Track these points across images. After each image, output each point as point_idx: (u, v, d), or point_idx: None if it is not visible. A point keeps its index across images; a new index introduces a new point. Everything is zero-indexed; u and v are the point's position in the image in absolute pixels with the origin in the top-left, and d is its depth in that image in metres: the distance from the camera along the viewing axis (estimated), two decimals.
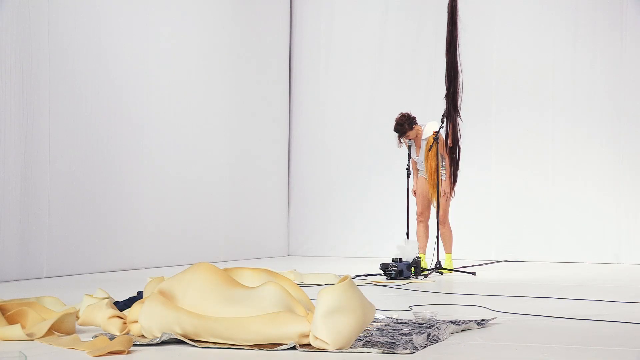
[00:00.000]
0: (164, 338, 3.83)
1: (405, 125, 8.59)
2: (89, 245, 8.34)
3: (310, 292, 4.58)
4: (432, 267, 8.49)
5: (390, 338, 3.95)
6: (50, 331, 4.10)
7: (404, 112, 8.69)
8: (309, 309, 3.95)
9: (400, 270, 7.77)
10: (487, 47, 11.05)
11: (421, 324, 4.42)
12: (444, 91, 8.28)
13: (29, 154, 7.63)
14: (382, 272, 7.86)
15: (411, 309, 5.10)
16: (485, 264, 10.15)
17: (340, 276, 7.17)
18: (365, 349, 3.71)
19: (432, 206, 8.77)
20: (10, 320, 4.18)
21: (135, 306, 4.02)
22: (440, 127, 8.41)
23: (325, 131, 11.86)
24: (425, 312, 4.64)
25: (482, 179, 11.01)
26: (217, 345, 3.80)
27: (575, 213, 10.75)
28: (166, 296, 3.93)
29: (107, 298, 4.38)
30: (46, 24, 7.82)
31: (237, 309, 3.82)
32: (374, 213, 11.34)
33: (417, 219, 8.90)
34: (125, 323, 4.10)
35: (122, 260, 8.77)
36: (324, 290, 3.67)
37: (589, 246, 10.63)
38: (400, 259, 7.91)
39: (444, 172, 8.60)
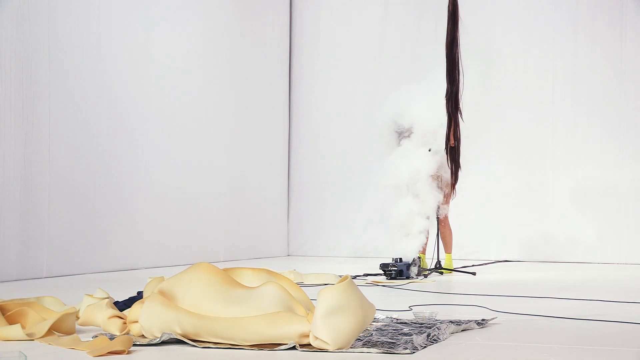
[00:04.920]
0: (164, 338, 3.83)
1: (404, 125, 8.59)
2: (89, 245, 8.34)
3: (310, 292, 4.58)
4: (432, 267, 8.49)
5: (390, 338, 3.95)
6: (50, 331, 4.10)
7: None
8: (309, 309, 3.95)
9: (400, 270, 7.78)
10: (487, 48, 11.05)
11: (421, 324, 4.42)
12: (444, 91, 8.27)
13: (29, 154, 7.63)
14: (382, 272, 7.86)
15: (411, 309, 5.10)
16: (485, 264, 10.15)
17: (340, 276, 7.17)
18: (365, 349, 3.71)
19: None
20: (10, 320, 4.18)
21: (135, 306, 4.02)
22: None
23: (325, 131, 11.87)
24: (425, 312, 4.64)
25: (482, 179, 11.00)
26: (217, 345, 3.80)
27: (576, 213, 10.75)
28: (166, 296, 3.93)
29: (107, 298, 4.38)
30: (46, 24, 7.83)
31: (237, 309, 3.82)
32: (374, 213, 11.33)
33: None
34: (125, 323, 4.10)
35: (122, 260, 8.77)
36: (324, 290, 3.67)
37: (589, 246, 10.63)
38: (400, 259, 7.91)
39: None
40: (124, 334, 4.00)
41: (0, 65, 7.37)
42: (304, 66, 12.00)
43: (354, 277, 7.78)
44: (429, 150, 8.42)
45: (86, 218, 8.31)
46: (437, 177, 8.43)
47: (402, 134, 8.56)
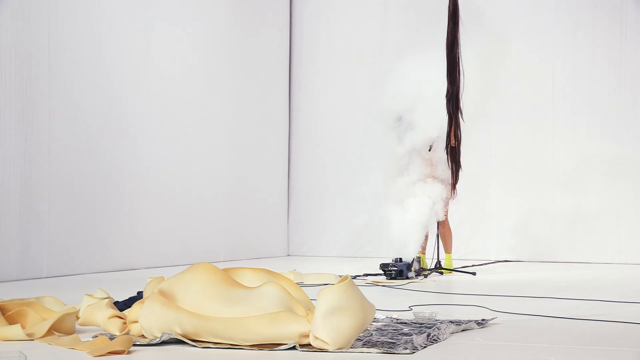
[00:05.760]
0: (164, 338, 3.83)
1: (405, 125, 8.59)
2: (89, 245, 8.34)
3: (310, 292, 4.58)
4: (432, 267, 8.49)
5: (390, 338, 3.95)
6: (50, 331, 4.10)
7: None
8: (309, 309, 3.95)
9: (400, 270, 7.77)
10: (486, 48, 11.03)
11: (421, 324, 4.42)
12: (444, 91, 8.27)
13: (29, 154, 7.63)
14: (382, 272, 7.86)
15: (411, 309, 5.10)
16: (485, 264, 10.15)
17: (340, 276, 7.17)
18: (365, 349, 3.71)
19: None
20: (10, 320, 4.18)
21: (135, 306, 4.02)
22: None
23: (325, 132, 11.86)
24: (425, 312, 4.64)
25: (482, 179, 11.00)
26: (217, 345, 3.80)
27: (576, 213, 10.75)
28: (166, 296, 3.93)
29: (107, 298, 4.38)
30: (46, 24, 7.82)
31: (237, 309, 3.82)
32: (374, 213, 11.32)
33: None
34: (125, 323, 4.10)
35: (122, 260, 8.77)
36: (324, 290, 3.67)
37: (589, 246, 10.63)
38: (400, 259, 7.91)
39: None
40: (124, 334, 4.00)
41: (0, 65, 7.37)
42: (304, 66, 11.99)
43: (354, 277, 7.78)
44: (429, 150, 8.43)
45: (86, 218, 8.31)
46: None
47: (401, 123, 8.55)
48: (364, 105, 11.61)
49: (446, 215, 8.71)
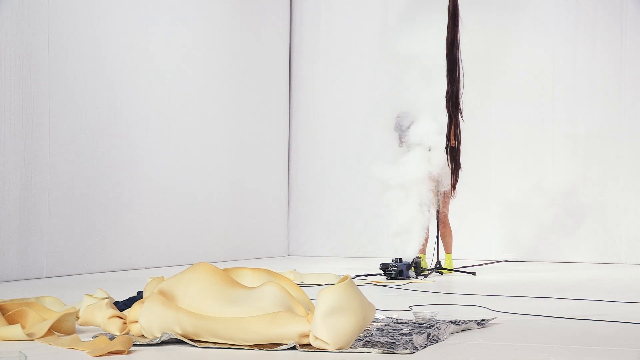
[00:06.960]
0: (164, 338, 3.83)
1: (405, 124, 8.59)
2: (89, 245, 8.34)
3: (310, 292, 4.58)
4: (432, 267, 8.49)
5: (390, 338, 3.95)
6: (50, 331, 4.10)
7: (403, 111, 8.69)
8: (309, 309, 3.95)
9: (400, 270, 7.78)
10: (487, 47, 11.03)
11: (421, 324, 4.42)
12: (444, 91, 8.26)
13: (29, 154, 7.63)
14: (382, 272, 7.86)
15: (411, 309, 5.10)
16: (485, 264, 10.15)
17: (340, 276, 7.17)
18: (365, 349, 3.71)
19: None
20: (10, 320, 4.18)
21: (135, 306, 4.02)
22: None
23: (325, 132, 11.86)
24: (425, 312, 4.64)
25: (482, 179, 11.00)
26: (217, 345, 3.80)
27: (576, 213, 10.74)
28: (166, 296, 3.93)
29: (107, 298, 4.38)
30: (46, 24, 7.83)
31: (237, 309, 3.82)
32: (374, 213, 11.33)
33: None
34: (125, 323, 4.10)
35: (122, 260, 8.77)
36: (324, 290, 3.67)
37: (590, 246, 10.63)
38: (400, 259, 7.91)
39: None
40: (124, 334, 4.00)
41: (0, 65, 7.37)
42: (304, 66, 11.99)
43: (354, 277, 7.78)
44: (429, 150, 8.43)
45: (86, 218, 8.31)
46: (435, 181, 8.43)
47: (403, 132, 8.57)
48: (364, 104, 11.61)
49: (447, 215, 8.71)
